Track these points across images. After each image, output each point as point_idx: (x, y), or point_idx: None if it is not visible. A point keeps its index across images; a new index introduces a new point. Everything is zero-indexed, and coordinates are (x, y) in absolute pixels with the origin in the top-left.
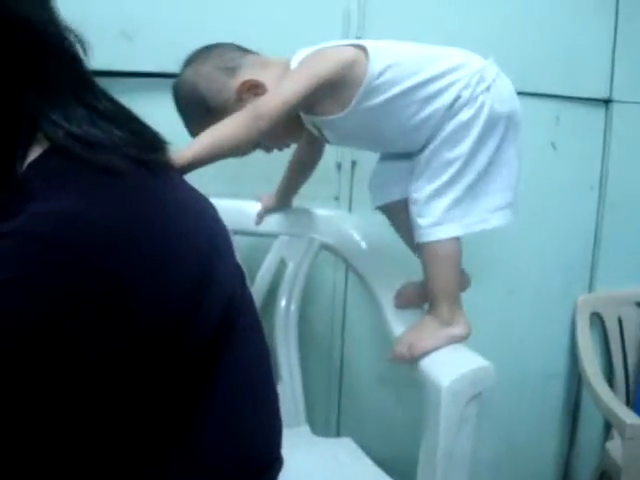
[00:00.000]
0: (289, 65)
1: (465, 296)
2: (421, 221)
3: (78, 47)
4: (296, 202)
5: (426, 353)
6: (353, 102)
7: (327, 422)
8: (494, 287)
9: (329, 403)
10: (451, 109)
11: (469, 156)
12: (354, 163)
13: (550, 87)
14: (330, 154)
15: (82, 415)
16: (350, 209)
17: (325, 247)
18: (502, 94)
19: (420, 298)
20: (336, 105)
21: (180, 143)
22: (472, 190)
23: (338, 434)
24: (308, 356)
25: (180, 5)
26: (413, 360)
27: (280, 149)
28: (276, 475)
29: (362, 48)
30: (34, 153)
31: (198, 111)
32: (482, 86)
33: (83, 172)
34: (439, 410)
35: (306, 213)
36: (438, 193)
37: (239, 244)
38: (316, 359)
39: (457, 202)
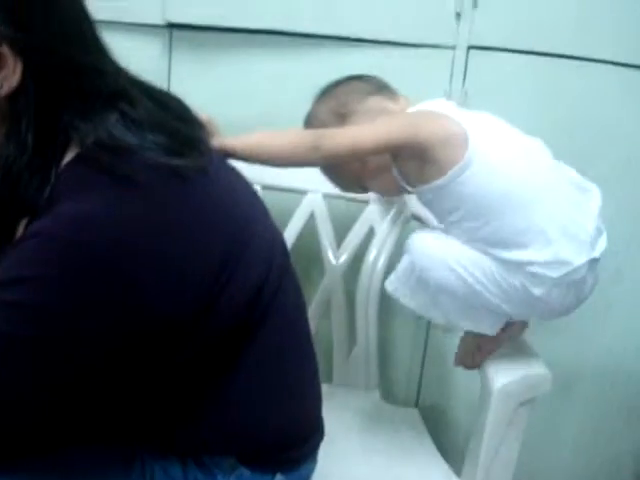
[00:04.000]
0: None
1: None
2: None
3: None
4: None
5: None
6: (425, 187)
7: (407, 390)
8: (600, 264)
9: (411, 371)
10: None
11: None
12: None
13: None
14: None
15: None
16: None
17: (415, 217)
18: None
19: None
20: (414, 176)
21: (283, 97)
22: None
23: (417, 404)
24: (393, 321)
25: None
26: (478, 367)
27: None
28: (317, 444)
29: (464, 132)
30: (67, 158)
31: None
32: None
33: (105, 179)
34: (488, 410)
35: None
36: None
37: (331, 208)
38: (401, 325)
39: None
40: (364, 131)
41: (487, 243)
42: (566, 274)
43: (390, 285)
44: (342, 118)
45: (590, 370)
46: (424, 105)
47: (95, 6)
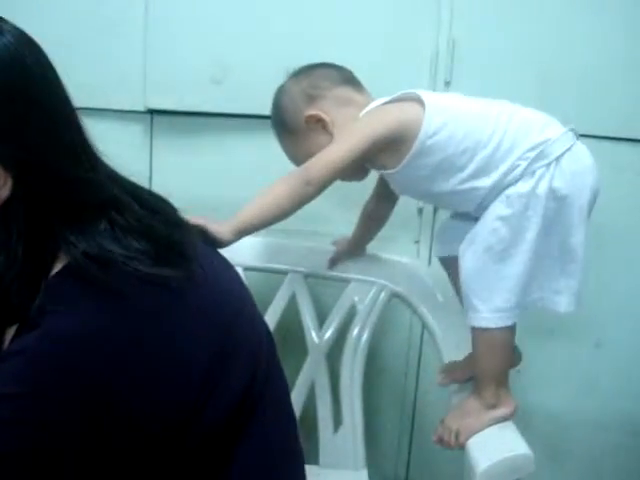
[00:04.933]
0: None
1: (550, 348)
2: (477, 303)
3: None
4: (376, 244)
5: (472, 436)
6: (405, 160)
7: (396, 467)
8: (580, 339)
9: (400, 447)
10: (503, 181)
11: (526, 235)
12: (436, 208)
13: None
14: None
15: None
16: (430, 254)
17: (396, 295)
18: (566, 174)
19: (465, 375)
20: (392, 159)
21: (264, 180)
22: (532, 270)
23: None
24: (380, 398)
25: (266, 51)
26: (460, 446)
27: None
28: None
29: (421, 102)
30: (56, 268)
31: (276, 122)
32: (541, 162)
33: (91, 291)
34: None
35: (379, 260)
36: (497, 276)
37: (312, 287)
38: (388, 401)
39: (517, 285)
40: (337, 149)
41: (481, 172)
42: (554, 142)
43: None
44: (310, 99)
45: (578, 442)
46: (378, 101)
47: (76, 94)
